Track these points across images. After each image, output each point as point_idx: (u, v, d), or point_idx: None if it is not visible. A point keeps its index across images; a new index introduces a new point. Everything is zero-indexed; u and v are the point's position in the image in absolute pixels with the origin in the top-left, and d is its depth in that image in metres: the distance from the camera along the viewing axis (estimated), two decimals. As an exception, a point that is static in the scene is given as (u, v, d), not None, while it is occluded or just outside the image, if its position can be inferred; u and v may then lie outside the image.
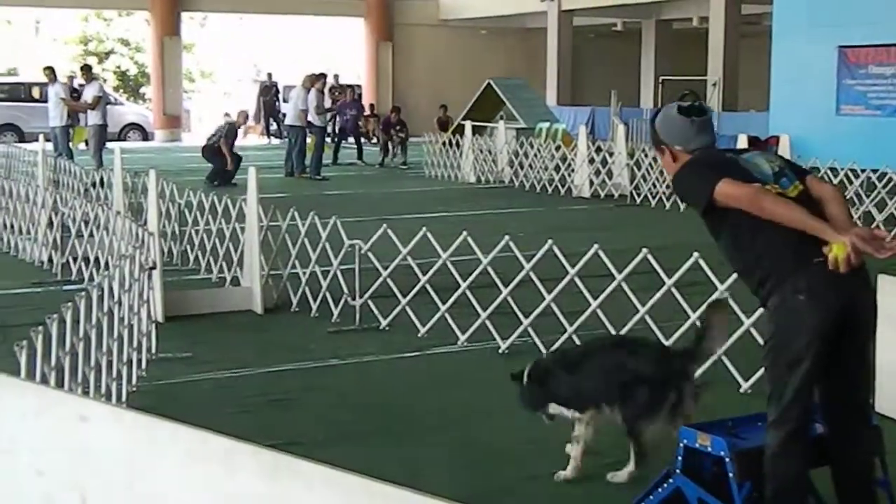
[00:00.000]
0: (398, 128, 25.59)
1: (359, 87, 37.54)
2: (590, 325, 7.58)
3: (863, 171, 15.25)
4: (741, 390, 6.77)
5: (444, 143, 22.16)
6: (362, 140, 26.64)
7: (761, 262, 4.18)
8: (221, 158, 20.16)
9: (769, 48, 25.72)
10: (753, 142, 18.34)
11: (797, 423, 4.13)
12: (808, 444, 4.19)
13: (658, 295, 7.30)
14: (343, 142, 26.28)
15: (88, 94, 20.00)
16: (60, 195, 11.64)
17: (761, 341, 4.55)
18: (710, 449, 4.35)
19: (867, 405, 4.34)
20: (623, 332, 7.33)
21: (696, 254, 7.03)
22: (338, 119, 26.51)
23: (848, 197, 14.56)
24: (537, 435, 6.17)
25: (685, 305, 7.24)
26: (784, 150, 16.24)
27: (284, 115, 31.00)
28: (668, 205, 16.49)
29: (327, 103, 24.39)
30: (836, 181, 14.94)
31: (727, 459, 4.28)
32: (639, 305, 7.33)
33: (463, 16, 38.65)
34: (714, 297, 6.27)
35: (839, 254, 3.99)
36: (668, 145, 4.48)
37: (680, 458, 4.47)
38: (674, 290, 7.25)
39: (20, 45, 47.26)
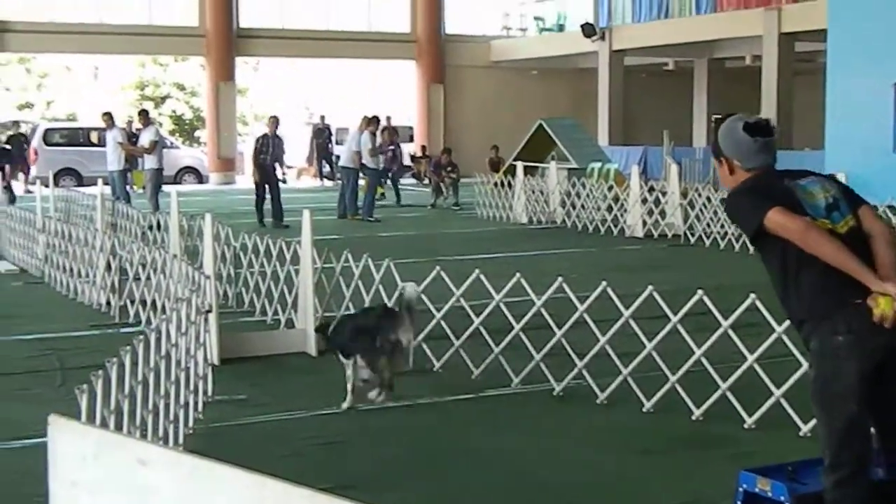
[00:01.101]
0: (449, 169, 25.71)
1: (410, 129, 37.79)
2: (645, 367, 7.52)
3: (921, 208, 15.06)
4: (801, 433, 6.67)
5: (495, 184, 22.20)
6: (400, 181, 26.92)
7: (802, 299, 4.18)
8: (260, 171, 20.44)
9: (824, 85, 25.55)
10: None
11: (851, 466, 4.07)
12: (865, 487, 4.11)
13: (714, 337, 7.22)
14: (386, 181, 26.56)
15: (145, 139, 20.29)
16: (118, 239, 11.80)
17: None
18: (769, 494, 4.29)
19: None
20: (679, 374, 7.28)
21: (752, 295, 6.96)
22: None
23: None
24: (591, 477, 6.14)
25: (742, 347, 7.16)
26: (840, 188, 16.00)
27: (338, 157, 31.36)
28: (722, 244, 16.37)
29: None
30: (894, 220, 14.77)
31: (787, 504, 4.22)
32: (694, 347, 7.27)
33: (514, 57, 38.80)
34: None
35: (886, 310, 3.95)
36: (727, 158, 4.44)
37: (740, 502, 4.41)
38: (730, 331, 7.17)
39: (79, 90, 48.14)
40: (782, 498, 4.23)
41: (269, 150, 20.78)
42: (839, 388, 4.04)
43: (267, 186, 20.55)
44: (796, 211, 4.18)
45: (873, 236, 4.23)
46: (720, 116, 4.61)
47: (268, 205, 20.41)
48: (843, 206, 4.29)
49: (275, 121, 21.56)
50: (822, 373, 4.12)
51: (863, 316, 4.00)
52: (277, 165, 21.10)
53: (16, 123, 34.26)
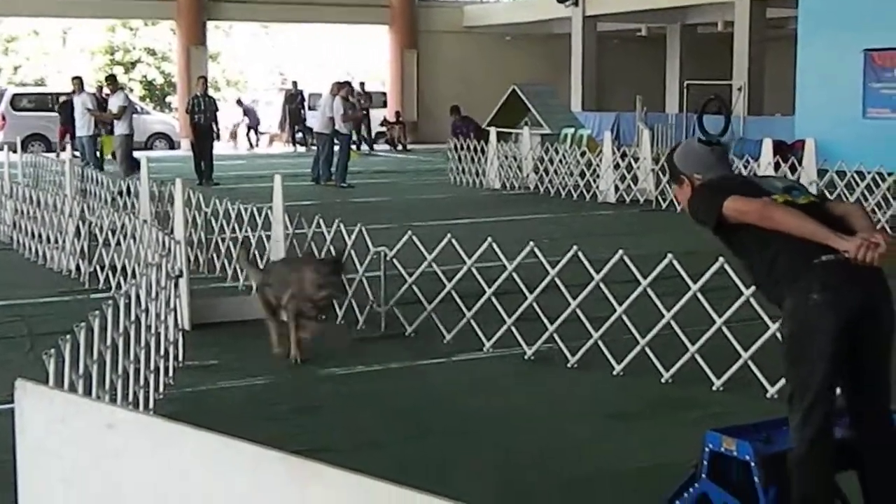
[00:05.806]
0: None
1: (383, 94, 37.64)
2: (615, 331, 7.57)
3: (890, 174, 15.15)
4: (768, 395, 6.74)
5: (468, 149, 22.16)
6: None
7: (773, 268, 4.23)
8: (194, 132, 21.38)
9: (795, 52, 25.61)
10: (779, 146, 18.25)
11: (819, 426, 4.11)
12: (832, 447, 4.17)
13: (683, 300, 7.28)
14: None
15: (114, 105, 20.13)
16: (88, 204, 11.72)
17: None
18: (735, 453, 4.33)
19: (889, 410, 4.33)
20: (648, 338, 7.33)
21: (721, 258, 7.00)
22: None
23: (875, 201, 14.49)
24: (562, 440, 6.18)
25: (711, 311, 7.22)
26: (810, 153, 16.12)
27: (305, 121, 31.18)
28: (693, 210, 16.41)
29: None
30: (862, 185, 14.86)
31: (752, 464, 4.26)
32: (664, 311, 7.32)
33: (487, 22, 38.67)
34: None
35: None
36: (687, 175, 4.61)
37: (706, 462, 4.46)
38: (699, 295, 7.23)
39: (47, 55, 47.61)
40: (747, 457, 4.28)
41: (201, 110, 21.69)
42: (814, 347, 4.08)
43: (201, 146, 21.57)
44: (755, 193, 4.30)
45: (848, 214, 4.31)
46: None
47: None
48: (802, 189, 4.48)
49: (203, 81, 23.27)
50: (797, 331, 4.16)
51: (836, 271, 4.05)
52: (213, 125, 22.09)
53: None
